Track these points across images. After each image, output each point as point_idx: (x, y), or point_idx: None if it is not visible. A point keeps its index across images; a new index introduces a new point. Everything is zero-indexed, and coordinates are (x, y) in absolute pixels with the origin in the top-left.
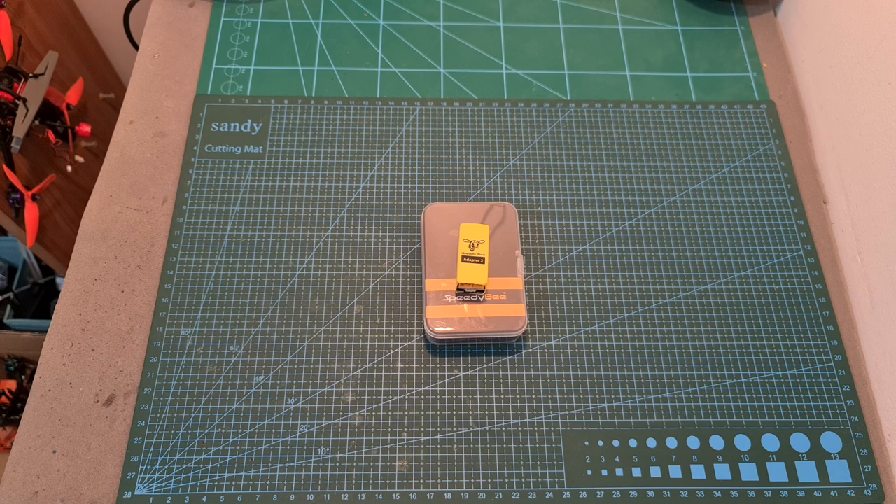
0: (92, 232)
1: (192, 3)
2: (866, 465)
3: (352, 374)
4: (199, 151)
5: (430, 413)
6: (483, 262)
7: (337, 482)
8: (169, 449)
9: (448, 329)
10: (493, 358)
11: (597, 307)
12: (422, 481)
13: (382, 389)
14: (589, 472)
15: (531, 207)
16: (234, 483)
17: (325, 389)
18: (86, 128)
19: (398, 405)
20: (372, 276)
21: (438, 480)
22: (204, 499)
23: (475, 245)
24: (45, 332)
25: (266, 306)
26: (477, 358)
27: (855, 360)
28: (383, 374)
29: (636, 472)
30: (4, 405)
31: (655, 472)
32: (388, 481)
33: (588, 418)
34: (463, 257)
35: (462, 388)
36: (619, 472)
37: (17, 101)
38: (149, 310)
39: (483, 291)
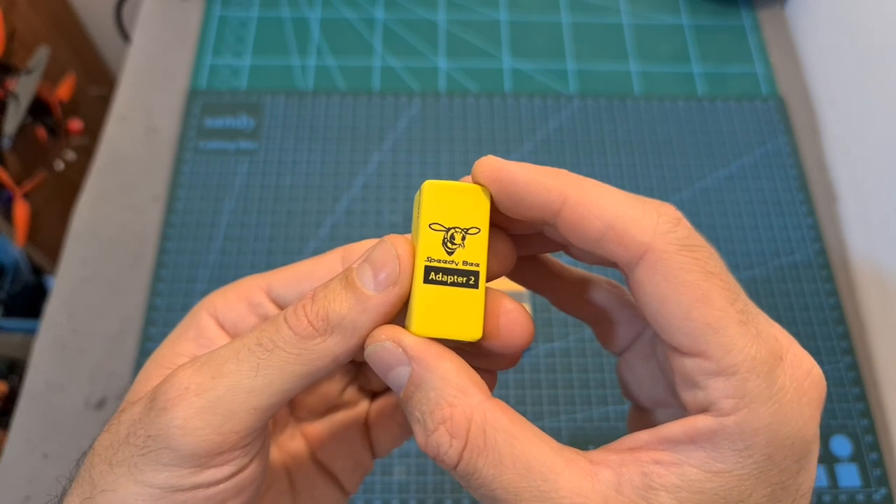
0: (82, 231)
1: None
2: (876, 469)
3: None
4: (192, 148)
5: None
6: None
7: None
8: None
9: None
10: None
11: None
12: (421, 487)
13: None
14: None
15: None
16: None
17: None
18: (77, 124)
19: None
20: None
21: (438, 486)
22: None
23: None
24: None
25: None
26: None
27: (866, 362)
28: None
29: None
30: None
31: None
32: (385, 487)
33: (592, 422)
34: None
35: None
36: None
37: (7, 98)
38: (140, 311)
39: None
